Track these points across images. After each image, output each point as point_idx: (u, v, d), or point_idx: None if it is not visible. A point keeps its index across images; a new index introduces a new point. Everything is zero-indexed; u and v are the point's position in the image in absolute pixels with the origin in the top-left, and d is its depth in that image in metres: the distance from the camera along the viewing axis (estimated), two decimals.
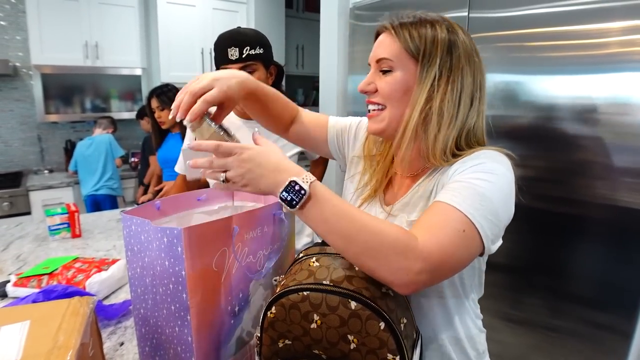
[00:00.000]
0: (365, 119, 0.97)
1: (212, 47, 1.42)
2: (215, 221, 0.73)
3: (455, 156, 0.75)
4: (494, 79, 1.86)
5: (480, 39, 1.87)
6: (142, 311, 0.81)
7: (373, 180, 0.89)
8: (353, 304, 0.61)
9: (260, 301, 0.88)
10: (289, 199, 0.62)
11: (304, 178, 0.63)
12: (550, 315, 1.77)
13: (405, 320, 0.64)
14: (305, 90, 4.95)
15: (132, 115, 3.76)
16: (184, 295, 0.70)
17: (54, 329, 0.61)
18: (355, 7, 2.58)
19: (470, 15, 1.90)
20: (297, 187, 0.62)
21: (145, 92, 3.76)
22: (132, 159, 4.01)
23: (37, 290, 1.12)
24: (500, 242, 0.70)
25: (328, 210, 0.62)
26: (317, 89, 2.94)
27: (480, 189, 0.65)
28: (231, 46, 1.32)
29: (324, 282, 0.64)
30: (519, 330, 1.89)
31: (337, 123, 1.02)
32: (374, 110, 0.80)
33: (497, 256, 2.00)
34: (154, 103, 2.58)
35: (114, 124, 3.68)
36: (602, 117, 1.55)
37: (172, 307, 0.73)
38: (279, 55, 4.12)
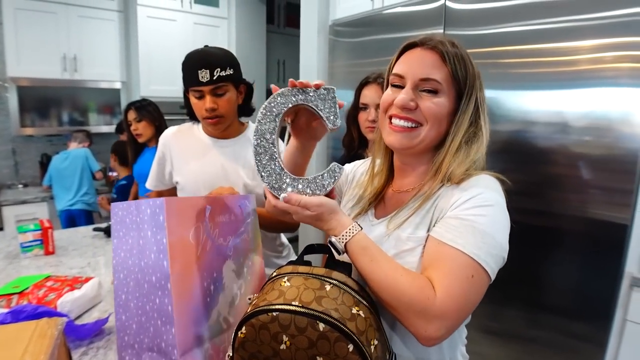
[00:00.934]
0: (360, 164, 1.03)
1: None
2: (191, 197, 0.85)
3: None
4: None
5: None
6: (123, 297, 0.83)
7: (367, 194, 0.91)
8: (321, 326, 0.61)
9: (235, 289, 0.90)
10: (334, 248, 0.75)
11: (341, 238, 0.74)
12: (529, 326, 1.79)
13: (376, 342, 0.64)
14: None
15: (111, 129, 3.72)
16: (165, 263, 0.75)
17: (20, 352, 0.59)
18: (335, 23, 2.62)
19: (446, 32, 1.95)
20: (335, 246, 0.75)
21: (124, 105, 3.72)
22: (110, 173, 3.94)
23: (6, 310, 1.08)
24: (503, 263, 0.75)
25: (360, 265, 0.73)
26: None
27: (481, 226, 0.70)
28: (201, 68, 1.31)
29: (293, 302, 0.63)
30: (499, 342, 1.91)
31: None
32: (405, 126, 0.79)
33: None
34: (132, 115, 2.53)
35: (90, 137, 3.62)
36: (573, 131, 1.60)
37: (153, 278, 0.77)
38: (260, 70, 4.15)
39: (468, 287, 0.68)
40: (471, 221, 0.70)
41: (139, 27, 3.43)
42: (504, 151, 1.80)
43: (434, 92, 0.77)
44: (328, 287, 0.66)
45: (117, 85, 3.77)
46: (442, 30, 1.96)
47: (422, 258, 0.74)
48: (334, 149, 2.69)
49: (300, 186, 0.77)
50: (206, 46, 1.40)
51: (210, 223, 0.85)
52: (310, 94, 0.76)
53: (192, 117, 1.48)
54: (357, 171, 1.01)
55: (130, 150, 2.68)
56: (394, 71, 0.81)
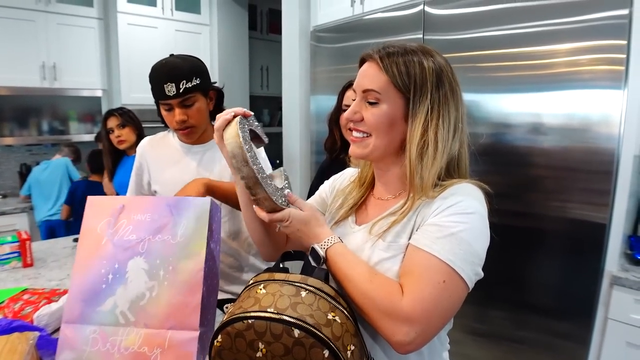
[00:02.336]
0: (338, 177, 1.04)
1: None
2: (109, 197, 0.99)
3: (436, 185, 0.77)
4: None
5: None
6: None
7: (349, 201, 0.91)
8: (296, 332, 0.61)
9: (144, 288, 0.89)
10: (313, 258, 0.76)
11: (323, 244, 0.78)
12: (513, 326, 1.81)
13: (353, 347, 0.64)
14: (271, 110, 4.96)
15: (92, 137, 3.66)
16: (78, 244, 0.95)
17: None
18: (316, 29, 2.63)
19: (425, 37, 1.97)
20: (315, 253, 0.76)
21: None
22: None
23: None
24: (481, 275, 0.74)
25: (339, 271, 0.75)
26: (282, 109, 2.96)
27: (459, 233, 0.70)
28: (167, 82, 1.30)
29: (269, 309, 0.63)
30: (484, 343, 1.92)
31: (315, 203, 1.05)
32: (358, 136, 0.82)
33: None
34: (114, 122, 2.42)
35: (77, 153, 3.56)
36: (551, 133, 1.62)
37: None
38: (243, 77, 4.14)
39: (438, 293, 0.67)
40: (449, 227, 0.70)
41: (119, 35, 3.39)
42: (484, 154, 1.81)
43: (375, 102, 0.78)
44: (304, 294, 0.66)
45: (98, 94, 3.72)
46: (421, 36, 1.98)
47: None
48: (317, 154, 2.69)
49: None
50: (172, 55, 1.38)
51: (123, 220, 0.94)
52: (250, 120, 0.87)
53: (167, 126, 1.47)
54: (337, 183, 1.02)
55: (108, 160, 2.56)
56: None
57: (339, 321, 0.64)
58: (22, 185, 3.47)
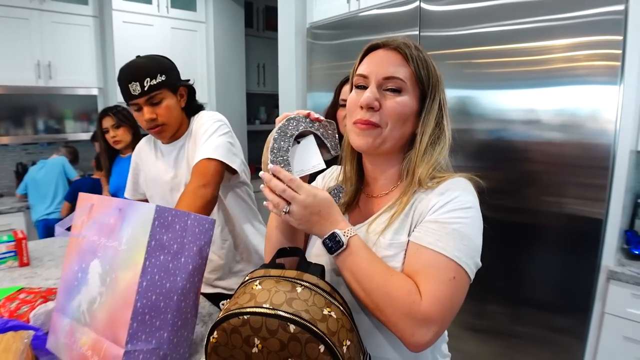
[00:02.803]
0: (328, 174, 1.01)
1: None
2: (93, 196, 0.99)
3: (433, 178, 0.78)
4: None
5: (431, 56, 1.93)
6: None
7: (341, 201, 0.89)
8: (292, 327, 0.61)
9: (96, 292, 0.87)
10: (329, 245, 0.72)
11: (346, 232, 0.72)
12: (510, 321, 1.81)
13: (349, 342, 0.64)
14: (268, 108, 4.95)
15: (88, 136, 3.64)
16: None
17: None
18: (312, 26, 2.63)
19: (421, 34, 1.97)
20: (337, 239, 0.72)
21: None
22: None
23: None
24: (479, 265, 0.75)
25: (357, 264, 0.71)
26: (278, 106, 2.95)
27: (460, 229, 0.71)
28: (131, 82, 1.29)
29: (264, 305, 0.63)
30: (482, 338, 1.92)
31: None
32: (368, 125, 0.77)
33: None
34: (109, 121, 2.40)
35: (75, 154, 3.54)
36: (547, 129, 1.62)
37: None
38: (239, 74, 4.13)
39: (452, 290, 0.69)
40: (450, 224, 0.71)
41: (114, 33, 3.38)
42: (481, 150, 1.82)
43: (398, 90, 0.76)
44: (299, 289, 0.66)
45: (94, 92, 3.70)
46: (417, 32, 1.98)
47: (404, 264, 0.74)
48: None
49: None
50: (138, 56, 1.38)
51: (92, 220, 0.95)
52: (316, 124, 0.83)
53: None
54: (326, 182, 1.00)
55: (105, 160, 2.55)
56: (357, 72, 0.81)
57: (334, 317, 0.64)
58: (19, 184, 3.46)
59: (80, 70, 3.60)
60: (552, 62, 1.59)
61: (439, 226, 0.71)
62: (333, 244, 0.72)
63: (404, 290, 0.68)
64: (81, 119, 3.74)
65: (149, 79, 1.30)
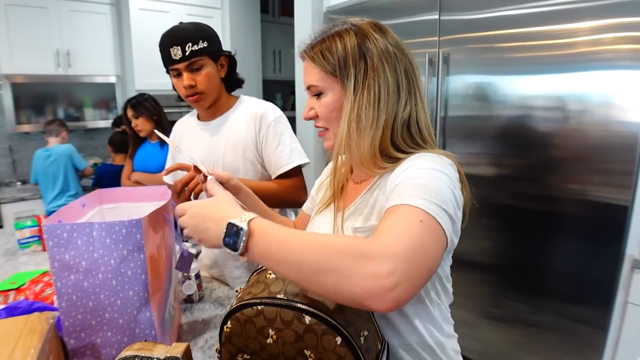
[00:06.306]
0: (326, 169, 1.04)
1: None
2: (158, 209, 0.87)
3: (393, 159, 0.77)
4: (466, 80, 1.88)
5: (451, 41, 1.89)
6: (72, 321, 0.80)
7: (329, 190, 0.92)
8: (307, 319, 0.59)
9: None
10: (231, 242, 0.60)
11: (242, 218, 0.61)
12: (529, 311, 1.79)
13: (366, 333, 0.63)
14: (284, 95, 4.93)
15: (107, 123, 3.69)
16: (144, 277, 0.80)
17: (10, 347, 0.59)
18: (329, 10, 2.59)
19: (441, 18, 1.92)
20: (234, 229, 0.60)
21: (119, 100, 3.70)
22: None
23: (1, 307, 1.07)
24: (458, 235, 0.70)
25: (272, 242, 0.58)
26: (295, 93, 2.94)
27: (421, 181, 0.65)
28: (172, 45, 1.28)
29: (278, 295, 0.62)
30: (500, 327, 1.91)
31: (307, 206, 1.10)
32: (321, 131, 0.85)
33: (476, 255, 2.02)
34: (130, 112, 2.66)
35: (64, 125, 3.42)
36: (572, 115, 1.58)
37: (130, 293, 0.80)
38: (256, 61, 4.11)
39: (418, 231, 0.57)
40: (411, 180, 0.66)
41: (131, 20, 3.39)
42: (503, 136, 1.79)
43: (319, 94, 0.81)
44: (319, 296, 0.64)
45: (112, 80, 3.73)
46: (437, 16, 1.93)
47: None
48: None
49: None
50: (181, 23, 1.35)
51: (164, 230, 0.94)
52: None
53: (182, 100, 1.44)
54: (323, 176, 1.05)
55: (131, 145, 2.81)
56: None
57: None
58: None
59: (98, 58, 3.64)
60: (577, 46, 1.54)
61: (398, 186, 0.67)
62: (234, 238, 0.60)
63: (347, 238, 0.58)
64: (100, 107, 3.78)
65: (190, 43, 1.28)
